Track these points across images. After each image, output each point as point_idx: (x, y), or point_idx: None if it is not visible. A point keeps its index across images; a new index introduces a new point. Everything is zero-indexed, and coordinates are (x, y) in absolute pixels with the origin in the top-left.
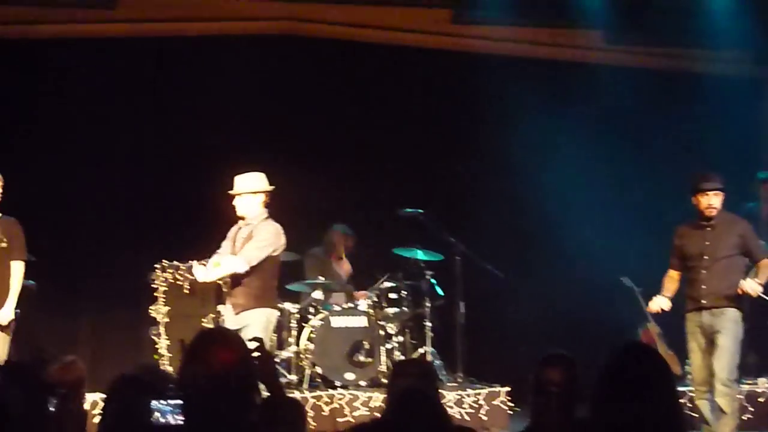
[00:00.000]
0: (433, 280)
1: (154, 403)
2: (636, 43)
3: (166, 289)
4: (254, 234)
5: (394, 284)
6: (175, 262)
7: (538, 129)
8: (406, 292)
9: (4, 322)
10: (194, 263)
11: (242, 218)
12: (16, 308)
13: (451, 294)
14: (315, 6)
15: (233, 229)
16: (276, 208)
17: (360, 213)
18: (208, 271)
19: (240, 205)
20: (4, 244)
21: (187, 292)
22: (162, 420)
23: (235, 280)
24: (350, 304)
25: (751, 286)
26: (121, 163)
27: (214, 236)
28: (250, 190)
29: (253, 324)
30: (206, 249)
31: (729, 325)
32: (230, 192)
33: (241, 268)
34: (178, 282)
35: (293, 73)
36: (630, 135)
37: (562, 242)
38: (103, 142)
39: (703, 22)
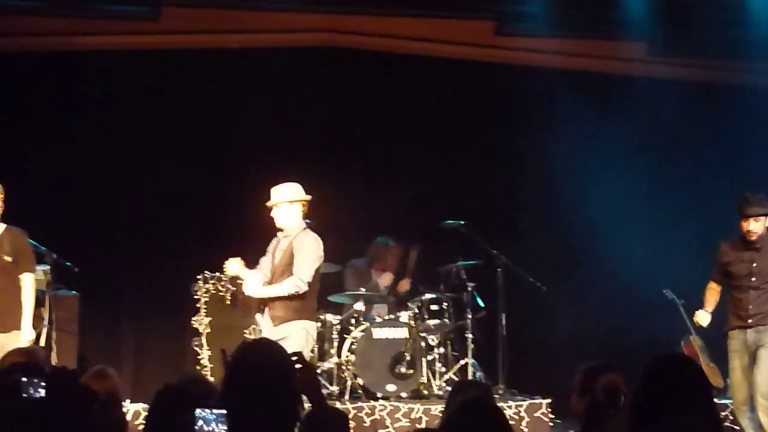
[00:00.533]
0: (474, 292)
1: (198, 411)
2: (680, 55)
3: (208, 300)
4: (296, 247)
5: (435, 296)
6: (218, 274)
7: (581, 141)
8: (447, 304)
9: (26, 344)
10: (245, 272)
11: (281, 230)
12: (42, 318)
13: (493, 306)
14: (354, 18)
15: (272, 243)
16: (318, 219)
17: (403, 224)
18: (260, 290)
19: (278, 216)
20: (8, 258)
21: (229, 303)
22: (206, 429)
23: None
24: (392, 316)
25: None
26: (164, 174)
27: (255, 247)
28: (287, 199)
29: (291, 336)
30: (247, 260)
31: None
32: (267, 204)
33: (302, 288)
34: (220, 293)
35: (333, 85)
36: (673, 147)
37: (604, 254)
38: (147, 153)
39: (748, 34)
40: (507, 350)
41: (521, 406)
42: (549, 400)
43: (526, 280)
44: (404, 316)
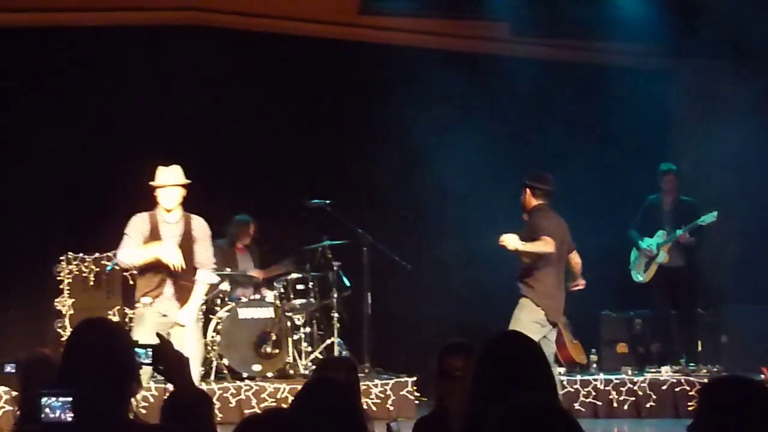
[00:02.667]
0: (340, 271)
1: (44, 399)
2: (543, 35)
3: (71, 281)
4: (196, 231)
5: (300, 275)
6: (81, 254)
7: (445, 120)
8: (312, 283)
9: None
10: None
11: (168, 210)
12: None
13: (358, 285)
14: None
15: (145, 220)
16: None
17: (267, 204)
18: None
19: (171, 197)
20: None
21: (93, 284)
22: (51, 416)
23: (181, 276)
24: (257, 296)
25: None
26: (27, 152)
27: (119, 228)
28: (181, 182)
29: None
30: (111, 241)
31: None
32: (163, 184)
33: (215, 278)
34: (83, 274)
35: (197, 65)
36: (537, 126)
37: (468, 233)
38: (9, 131)
39: (609, 14)
40: (372, 329)
41: (387, 384)
42: (414, 378)
43: (392, 258)
44: (270, 295)
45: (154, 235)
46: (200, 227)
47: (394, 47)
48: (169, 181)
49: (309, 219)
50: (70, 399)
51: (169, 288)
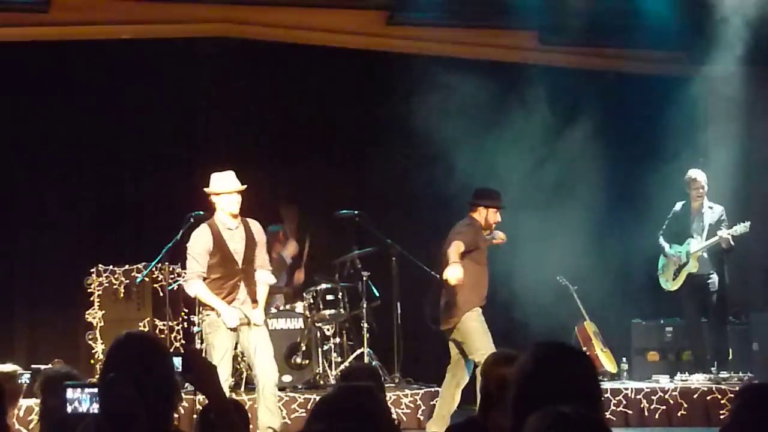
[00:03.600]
0: (369, 281)
1: (69, 392)
2: (571, 43)
3: (101, 293)
4: (257, 235)
5: (330, 286)
6: (111, 266)
7: (473, 129)
8: (342, 294)
9: None
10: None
11: (234, 216)
12: None
13: (388, 295)
14: (251, 8)
15: (207, 233)
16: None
17: (299, 215)
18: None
19: (236, 202)
20: None
21: (123, 296)
22: (80, 410)
23: (250, 280)
24: (287, 306)
25: None
26: (58, 166)
27: (149, 240)
28: (242, 187)
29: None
30: (140, 253)
31: None
32: (235, 190)
33: (273, 279)
34: (113, 286)
35: (230, 76)
36: (567, 134)
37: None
38: (42, 145)
39: (637, 23)
40: (402, 339)
41: (417, 394)
42: None
43: (420, 268)
44: (299, 306)
45: (218, 244)
46: (259, 231)
47: (422, 57)
48: (233, 188)
49: (339, 229)
50: (96, 390)
51: (242, 292)
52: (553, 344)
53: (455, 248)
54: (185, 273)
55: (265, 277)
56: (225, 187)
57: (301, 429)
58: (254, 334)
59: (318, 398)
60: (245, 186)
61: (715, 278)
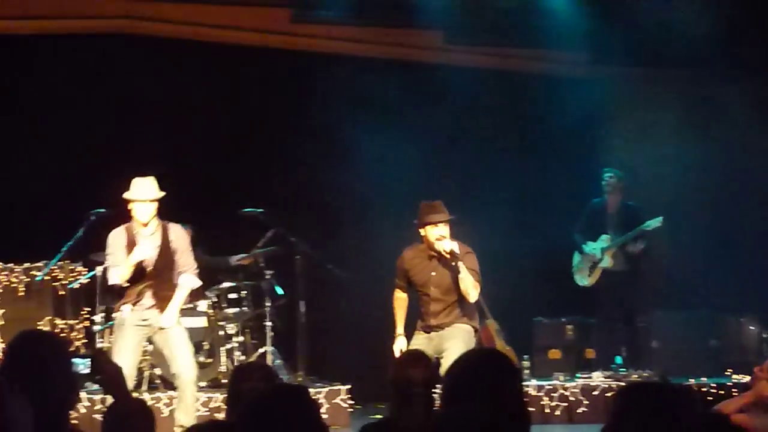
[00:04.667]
0: (273, 280)
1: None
2: (476, 43)
3: (1, 291)
4: (175, 241)
5: (233, 284)
6: (10, 264)
7: (379, 128)
8: (246, 292)
9: None
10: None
11: (144, 224)
12: None
13: (292, 293)
14: (152, 4)
15: (122, 235)
16: (117, 210)
17: (200, 213)
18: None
19: (145, 212)
20: None
21: (23, 294)
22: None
23: (161, 286)
24: (189, 305)
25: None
26: None
27: (49, 238)
28: (154, 197)
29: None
30: (41, 250)
31: None
32: (143, 199)
33: (197, 282)
34: (12, 284)
35: (128, 73)
36: (471, 134)
37: (401, 241)
38: None
39: (541, 23)
40: (306, 337)
41: (320, 392)
42: (349, 386)
43: (325, 266)
44: (202, 305)
45: (129, 248)
46: (179, 236)
47: (327, 55)
48: (142, 197)
49: (242, 228)
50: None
51: (148, 298)
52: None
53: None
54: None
55: (185, 281)
56: (135, 196)
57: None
58: (168, 336)
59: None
60: (162, 194)
61: (629, 275)
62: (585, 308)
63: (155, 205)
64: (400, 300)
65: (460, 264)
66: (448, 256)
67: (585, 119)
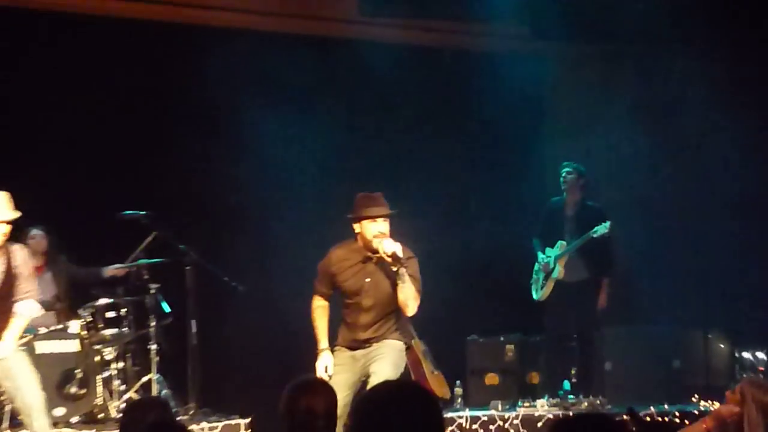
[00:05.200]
0: (159, 295)
1: None
2: (396, 14)
3: None
4: (17, 265)
5: (111, 300)
6: None
7: (287, 114)
8: (126, 310)
9: None
10: None
11: None
12: None
13: (182, 311)
14: None
15: None
16: None
17: (70, 217)
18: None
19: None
20: None
21: None
22: None
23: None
24: (59, 326)
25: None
26: None
27: None
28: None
29: None
30: None
31: None
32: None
33: (35, 309)
34: None
35: None
36: (392, 120)
37: (315, 246)
38: None
39: None
40: (199, 362)
41: (215, 428)
42: (248, 420)
43: (220, 278)
44: (74, 325)
45: None
46: (22, 262)
47: (222, 30)
48: None
49: (122, 234)
50: None
51: None
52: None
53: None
54: None
55: (22, 309)
56: None
57: None
58: (8, 367)
59: None
60: (17, 215)
61: (586, 286)
62: (529, 324)
63: (7, 227)
64: (321, 309)
65: (403, 271)
66: (389, 258)
67: (527, 102)
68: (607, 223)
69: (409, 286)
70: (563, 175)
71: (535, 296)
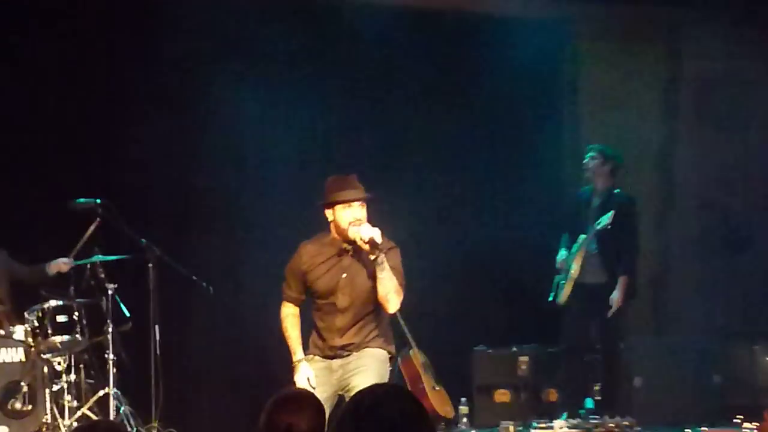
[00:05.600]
0: (117, 297)
1: None
2: None
3: None
4: None
5: (62, 303)
6: None
7: (267, 85)
8: (79, 314)
9: None
10: None
11: None
12: None
13: (143, 315)
14: None
15: None
16: None
17: (12, 207)
18: None
19: None
20: None
21: None
22: None
23: None
24: (1, 332)
25: None
26: None
27: None
28: None
29: None
30: None
31: None
32: None
33: None
34: None
35: None
36: (389, 93)
37: (295, 237)
38: None
39: None
40: (163, 375)
41: None
42: None
43: (187, 278)
44: (19, 331)
45: None
46: None
47: None
48: None
49: (73, 225)
50: None
51: None
52: (376, 388)
53: None
54: None
55: None
56: None
57: None
58: None
59: None
60: None
61: (606, 289)
62: (545, 333)
63: None
64: (293, 317)
65: (382, 258)
66: (366, 247)
67: (542, 75)
68: (610, 213)
69: (390, 278)
70: (585, 160)
71: (556, 299)
